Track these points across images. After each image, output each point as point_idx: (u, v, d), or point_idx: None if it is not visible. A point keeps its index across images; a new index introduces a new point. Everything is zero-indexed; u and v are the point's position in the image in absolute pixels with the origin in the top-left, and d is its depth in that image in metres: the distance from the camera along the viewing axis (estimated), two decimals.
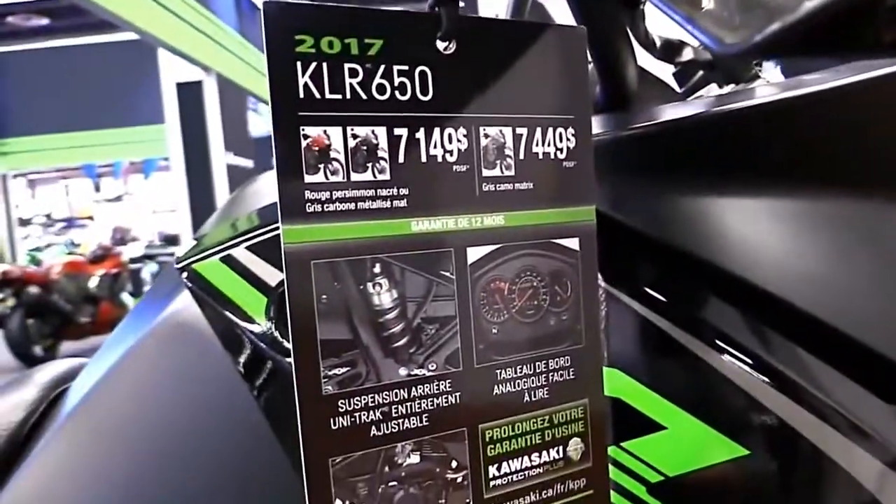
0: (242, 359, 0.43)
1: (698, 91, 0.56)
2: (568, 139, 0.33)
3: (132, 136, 10.38)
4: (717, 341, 0.36)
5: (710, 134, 0.38)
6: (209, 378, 0.46)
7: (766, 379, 0.36)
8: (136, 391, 0.49)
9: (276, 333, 0.41)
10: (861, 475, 0.35)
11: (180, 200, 6.32)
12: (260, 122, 9.45)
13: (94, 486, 0.49)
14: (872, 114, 0.34)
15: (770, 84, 0.45)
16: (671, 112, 0.41)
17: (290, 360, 0.40)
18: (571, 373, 0.34)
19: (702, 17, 0.24)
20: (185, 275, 0.47)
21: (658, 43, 0.54)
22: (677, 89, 0.60)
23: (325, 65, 0.28)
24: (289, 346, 0.40)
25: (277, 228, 0.43)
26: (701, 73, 0.65)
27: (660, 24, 0.53)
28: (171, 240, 10.42)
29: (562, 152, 0.33)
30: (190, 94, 6.26)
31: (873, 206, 0.35)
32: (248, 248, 0.44)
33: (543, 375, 0.33)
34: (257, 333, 0.42)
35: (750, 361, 0.36)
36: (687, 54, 0.56)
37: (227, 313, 0.43)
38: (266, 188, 0.62)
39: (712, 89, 0.51)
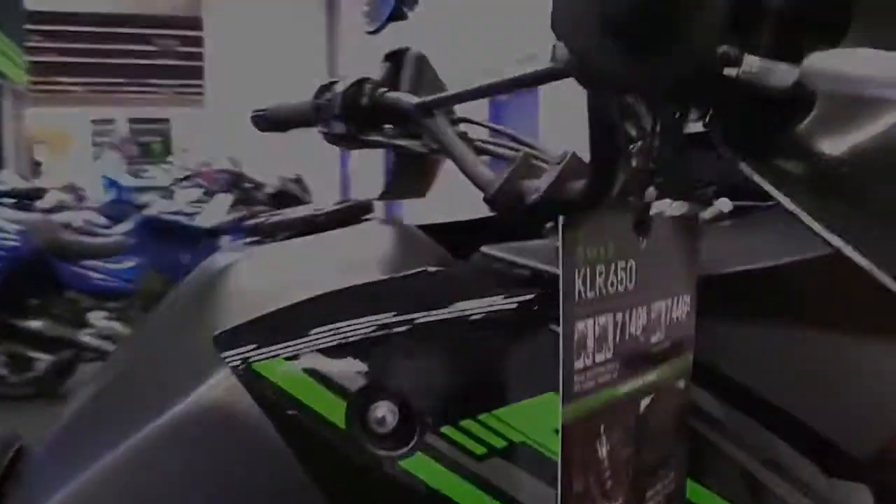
0: (315, 461, 0.45)
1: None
2: (685, 304, 0.43)
3: None
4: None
5: None
6: (273, 478, 0.46)
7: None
8: (172, 481, 0.48)
9: (360, 437, 0.44)
10: None
11: None
12: None
13: None
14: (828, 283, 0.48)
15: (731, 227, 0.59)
16: None
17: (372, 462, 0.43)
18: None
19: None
20: (240, 369, 0.46)
21: None
22: None
23: (588, 270, 0.35)
24: (375, 451, 0.43)
25: (352, 335, 0.45)
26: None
27: None
28: None
29: (682, 315, 0.43)
30: None
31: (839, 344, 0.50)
32: (320, 351, 0.46)
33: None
34: (339, 436, 0.44)
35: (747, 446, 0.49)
36: None
37: (298, 415, 0.44)
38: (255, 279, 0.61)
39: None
